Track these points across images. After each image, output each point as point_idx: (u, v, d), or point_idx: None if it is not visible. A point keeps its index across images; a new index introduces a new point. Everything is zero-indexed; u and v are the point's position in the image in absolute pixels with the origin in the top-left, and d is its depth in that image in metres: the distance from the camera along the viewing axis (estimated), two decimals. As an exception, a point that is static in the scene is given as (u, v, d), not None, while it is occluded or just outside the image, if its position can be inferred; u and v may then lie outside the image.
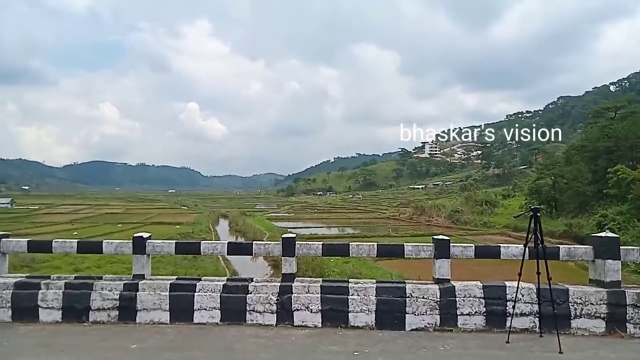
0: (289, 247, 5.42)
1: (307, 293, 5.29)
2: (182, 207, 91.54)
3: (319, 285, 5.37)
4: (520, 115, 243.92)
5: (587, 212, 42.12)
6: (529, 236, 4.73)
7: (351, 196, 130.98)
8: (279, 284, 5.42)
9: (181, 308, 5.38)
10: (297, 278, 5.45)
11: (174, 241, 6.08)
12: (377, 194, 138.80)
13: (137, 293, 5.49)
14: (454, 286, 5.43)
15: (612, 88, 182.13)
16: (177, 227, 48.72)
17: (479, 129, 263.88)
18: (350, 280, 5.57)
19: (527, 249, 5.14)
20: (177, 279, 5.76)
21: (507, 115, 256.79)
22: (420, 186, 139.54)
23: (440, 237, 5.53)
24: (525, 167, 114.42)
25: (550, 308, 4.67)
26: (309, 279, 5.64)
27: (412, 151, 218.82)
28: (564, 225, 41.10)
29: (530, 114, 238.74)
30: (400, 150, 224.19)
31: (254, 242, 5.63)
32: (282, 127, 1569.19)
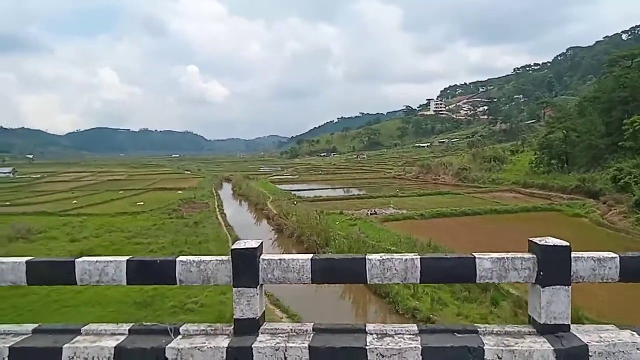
0: (245, 268, 2.54)
1: None
2: (186, 172, 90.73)
3: (307, 344, 2.45)
4: (528, 69, 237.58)
5: (600, 167, 40.67)
6: None
7: (356, 156, 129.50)
8: (226, 343, 2.49)
9: None
10: (266, 324, 2.64)
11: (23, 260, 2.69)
12: (382, 153, 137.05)
13: None
14: (586, 345, 2.35)
15: (624, 37, 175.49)
16: (180, 192, 47.90)
17: (485, 85, 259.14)
18: (368, 325, 2.60)
19: None
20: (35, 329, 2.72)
21: (514, 69, 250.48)
22: (426, 144, 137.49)
23: (550, 240, 2.50)
24: (533, 121, 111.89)
25: None
26: (288, 325, 2.71)
27: (417, 109, 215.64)
28: (576, 180, 39.76)
29: (539, 67, 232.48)
30: (405, 108, 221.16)
31: (177, 259, 2.59)
32: (285, 89, 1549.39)
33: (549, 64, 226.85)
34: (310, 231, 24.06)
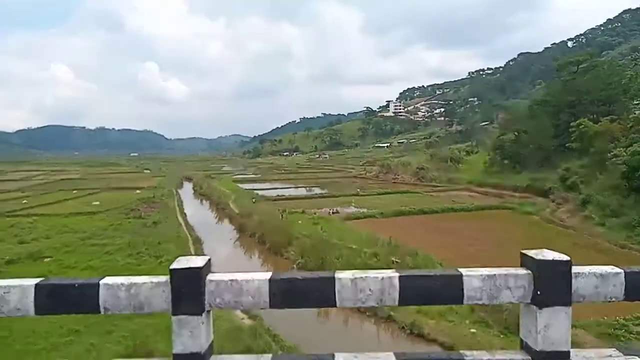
0: (187, 291, 2.07)
1: None
2: (145, 171, 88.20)
3: None
4: (481, 73, 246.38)
5: (550, 167, 42.79)
6: None
7: (317, 156, 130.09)
8: None
9: None
10: (214, 358, 2.18)
11: None
12: (343, 153, 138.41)
13: None
14: None
15: (569, 44, 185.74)
16: (138, 192, 46.58)
17: (442, 88, 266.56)
18: (337, 355, 2.13)
19: None
20: None
21: (469, 73, 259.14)
22: (385, 144, 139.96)
23: (547, 253, 2.13)
24: (487, 123, 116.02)
25: None
26: (241, 357, 2.22)
27: (377, 110, 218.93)
28: (527, 179, 41.74)
29: (492, 71, 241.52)
30: (365, 109, 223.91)
31: (101, 281, 2.09)
32: (247, 88, 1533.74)
33: (501, 69, 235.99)
34: (273, 230, 24.05)
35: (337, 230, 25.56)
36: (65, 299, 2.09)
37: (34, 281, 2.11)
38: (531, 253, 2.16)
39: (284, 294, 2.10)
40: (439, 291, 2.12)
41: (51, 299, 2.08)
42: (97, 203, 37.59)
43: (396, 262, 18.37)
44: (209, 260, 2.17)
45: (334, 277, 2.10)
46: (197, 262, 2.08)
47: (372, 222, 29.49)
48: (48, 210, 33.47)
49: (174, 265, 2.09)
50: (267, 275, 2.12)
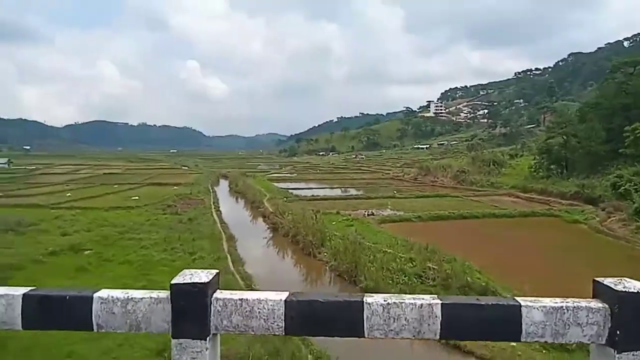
0: (189, 311, 1.73)
1: None
2: (183, 167, 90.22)
3: None
4: (529, 73, 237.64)
5: (600, 173, 40.44)
6: None
7: (354, 156, 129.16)
8: None
9: None
10: None
11: None
12: (380, 154, 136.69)
13: None
14: None
15: (625, 44, 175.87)
16: (175, 187, 47.49)
17: (485, 88, 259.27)
18: None
19: None
20: None
21: (515, 73, 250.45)
22: (424, 146, 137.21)
23: (629, 283, 1.63)
24: (533, 126, 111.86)
25: None
26: None
27: (417, 110, 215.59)
28: (575, 186, 39.51)
29: (539, 72, 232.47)
30: (404, 109, 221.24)
31: (95, 294, 1.79)
32: (285, 86, 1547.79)
33: (549, 69, 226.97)
34: (306, 230, 23.68)
35: (372, 232, 24.90)
36: (55, 313, 1.81)
37: (21, 290, 1.84)
38: (608, 282, 1.71)
39: (303, 318, 1.78)
40: (491, 324, 1.73)
41: (40, 312, 1.81)
42: (136, 198, 38.50)
43: (433, 268, 17.59)
44: (217, 274, 1.85)
45: (362, 302, 1.74)
46: (202, 276, 1.79)
47: (408, 226, 28.61)
48: (90, 204, 34.52)
49: (175, 280, 1.78)
50: (283, 295, 1.82)
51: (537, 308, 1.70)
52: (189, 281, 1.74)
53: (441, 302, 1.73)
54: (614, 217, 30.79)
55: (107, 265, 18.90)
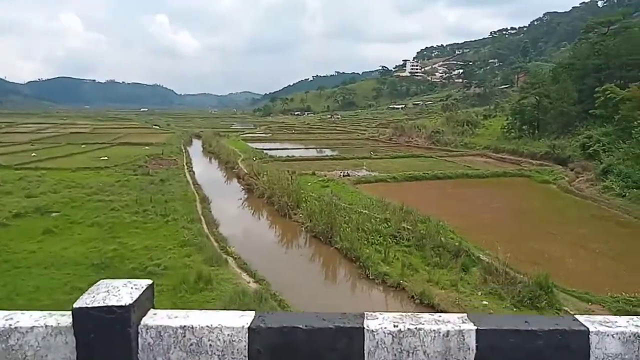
0: (102, 346, 1.18)
1: None
2: (154, 127, 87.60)
3: None
4: (504, 32, 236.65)
5: (570, 134, 41.23)
6: None
7: (329, 116, 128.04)
8: None
9: None
10: None
11: None
12: (356, 114, 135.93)
13: None
14: None
15: (599, 3, 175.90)
16: (147, 148, 46.11)
17: (461, 48, 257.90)
18: None
19: None
20: None
21: (491, 32, 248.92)
22: (400, 106, 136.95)
23: None
24: (507, 86, 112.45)
25: None
26: None
27: (393, 69, 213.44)
28: (546, 146, 40.29)
29: (515, 31, 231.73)
30: (380, 68, 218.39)
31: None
32: (259, 43, 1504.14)
33: (524, 29, 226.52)
34: (281, 192, 23.49)
35: (348, 193, 24.90)
36: None
37: None
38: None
39: (274, 354, 1.21)
40: (546, 358, 1.22)
41: None
42: (106, 158, 37.25)
43: (407, 228, 17.76)
44: (149, 287, 1.30)
45: (362, 328, 1.20)
46: (123, 295, 1.20)
47: (383, 186, 28.76)
48: (56, 164, 33.21)
49: (80, 301, 1.21)
50: (246, 319, 1.25)
51: (611, 335, 1.24)
52: (102, 304, 1.19)
53: (476, 327, 1.20)
54: (582, 177, 31.69)
55: (76, 227, 18.32)
